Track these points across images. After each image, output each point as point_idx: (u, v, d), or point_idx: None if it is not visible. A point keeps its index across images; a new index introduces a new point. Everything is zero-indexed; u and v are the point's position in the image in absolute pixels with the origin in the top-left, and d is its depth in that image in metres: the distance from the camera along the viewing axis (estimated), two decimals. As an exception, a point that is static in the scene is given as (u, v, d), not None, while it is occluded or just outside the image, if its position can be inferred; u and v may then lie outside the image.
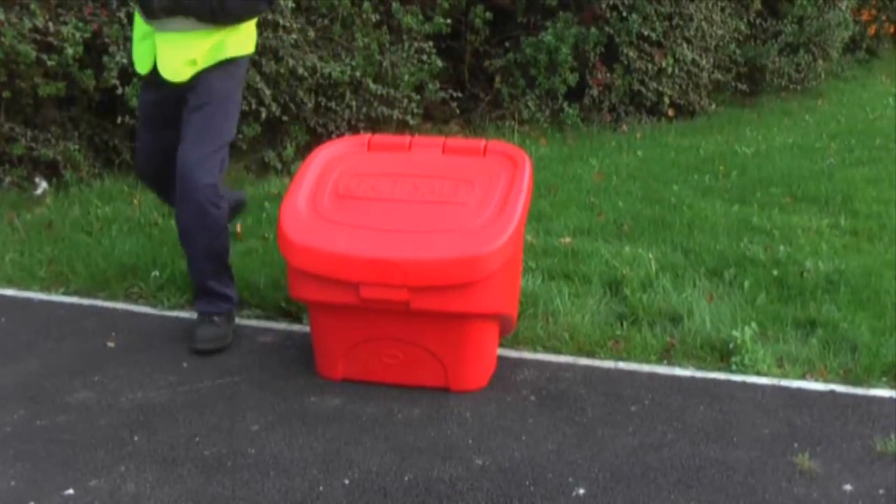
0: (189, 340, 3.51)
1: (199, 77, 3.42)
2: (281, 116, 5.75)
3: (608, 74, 7.15)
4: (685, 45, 7.40)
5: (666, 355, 3.52)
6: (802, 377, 3.37)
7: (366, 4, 6.17)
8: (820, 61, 8.65)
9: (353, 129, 6.03)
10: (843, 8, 8.76)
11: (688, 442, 2.94)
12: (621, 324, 3.72)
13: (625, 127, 7.24)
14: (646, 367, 3.44)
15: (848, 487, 2.71)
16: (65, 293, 4.02)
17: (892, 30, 10.68)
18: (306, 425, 3.01)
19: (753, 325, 3.60)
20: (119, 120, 5.32)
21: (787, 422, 3.07)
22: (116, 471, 2.74)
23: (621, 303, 3.89)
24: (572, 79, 7.01)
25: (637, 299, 3.86)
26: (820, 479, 2.75)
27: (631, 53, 7.11)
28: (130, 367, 3.37)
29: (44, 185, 5.23)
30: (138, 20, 3.50)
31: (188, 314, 3.79)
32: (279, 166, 5.83)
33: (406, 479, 2.73)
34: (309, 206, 3.17)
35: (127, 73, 5.01)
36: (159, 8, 3.32)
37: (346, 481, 2.71)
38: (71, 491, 2.65)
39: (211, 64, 3.43)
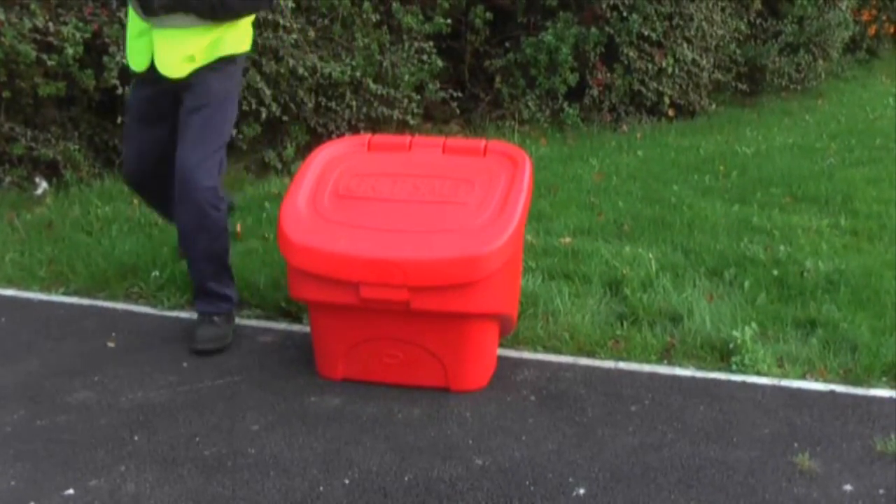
0: (189, 340, 3.51)
1: (197, 76, 3.41)
2: (281, 116, 5.75)
3: (608, 74, 7.15)
4: (685, 45, 7.40)
5: (666, 355, 3.52)
6: (802, 377, 3.37)
7: (366, 4, 6.17)
8: (820, 61, 8.65)
9: (354, 129, 6.03)
10: (844, 8, 8.76)
11: (688, 442, 2.94)
12: (621, 324, 3.71)
13: (625, 127, 7.24)
14: (646, 367, 3.44)
15: (848, 487, 2.71)
16: (65, 293, 4.02)
17: (892, 30, 10.68)
18: (306, 425, 3.01)
19: (753, 325, 3.60)
20: (119, 120, 5.31)
21: (787, 422, 3.07)
22: (116, 471, 2.74)
23: (621, 303, 3.89)
24: (572, 79, 7.01)
25: (637, 299, 3.86)
26: (820, 479, 2.75)
27: (631, 53, 7.11)
28: (130, 367, 3.37)
29: (44, 185, 5.23)
30: (133, 17, 3.48)
31: (188, 314, 3.79)
32: (279, 166, 5.83)
33: (406, 479, 2.73)
34: (309, 206, 3.17)
35: (127, 73, 5.00)
36: (160, 6, 3.31)
37: (346, 481, 2.71)
38: (71, 491, 2.65)
39: (209, 61, 3.42)
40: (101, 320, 3.76)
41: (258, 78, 5.51)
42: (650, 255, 4.30)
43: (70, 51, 4.94)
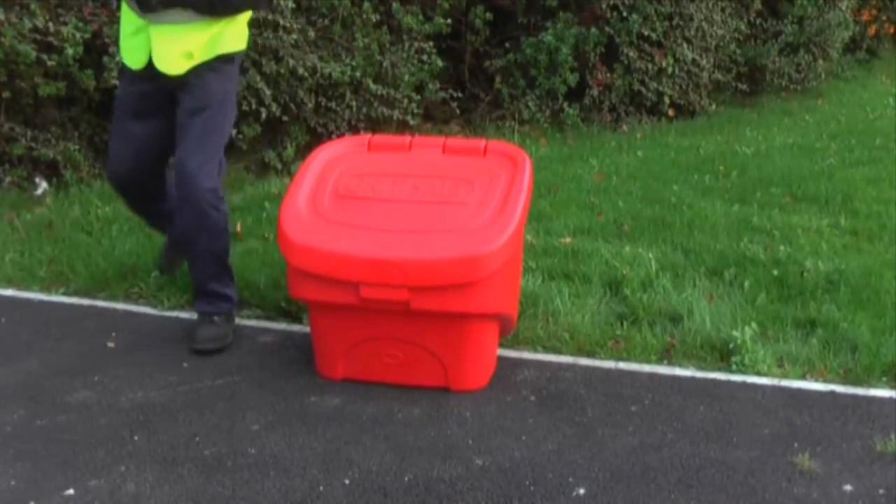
0: (189, 340, 3.51)
1: (195, 77, 3.39)
2: (281, 116, 5.75)
3: (608, 74, 7.15)
4: (685, 45, 7.40)
5: (666, 355, 3.52)
6: (802, 377, 3.37)
7: (366, 4, 6.17)
8: (820, 61, 8.65)
9: (354, 130, 6.03)
10: (844, 8, 8.76)
11: (688, 442, 2.94)
12: (621, 324, 3.72)
13: (625, 127, 7.24)
14: (646, 367, 3.44)
15: (848, 487, 2.71)
16: (65, 293, 4.02)
17: (892, 30, 10.68)
18: (306, 425, 3.01)
19: (753, 325, 3.60)
20: (119, 120, 5.32)
21: (787, 422, 3.07)
22: (116, 470, 2.74)
23: (621, 303, 3.89)
24: (572, 79, 7.01)
25: (637, 299, 3.86)
26: (820, 479, 2.75)
27: (631, 53, 7.11)
28: (130, 367, 3.37)
29: (44, 185, 5.23)
30: (128, 14, 3.43)
31: (188, 314, 3.79)
32: (279, 166, 5.83)
33: (406, 478, 2.73)
34: (309, 206, 3.17)
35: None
36: (157, 1, 3.27)
37: (346, 481, 2.71)
38: (71, 491, 2.65)
39: (207, 59, 3.39)
40: (101, 320, 3.76)
41: (258, 78, 5.51)
42: (650, 255, 4.30)
43: (70, 51, 4.94)
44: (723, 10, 7.87)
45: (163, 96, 3.46)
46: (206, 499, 2.62)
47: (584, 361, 3.48)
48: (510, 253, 3.09)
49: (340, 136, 5.79)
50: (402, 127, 6.25)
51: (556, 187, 5.50)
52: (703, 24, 7.50)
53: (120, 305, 3.90)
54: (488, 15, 6.96)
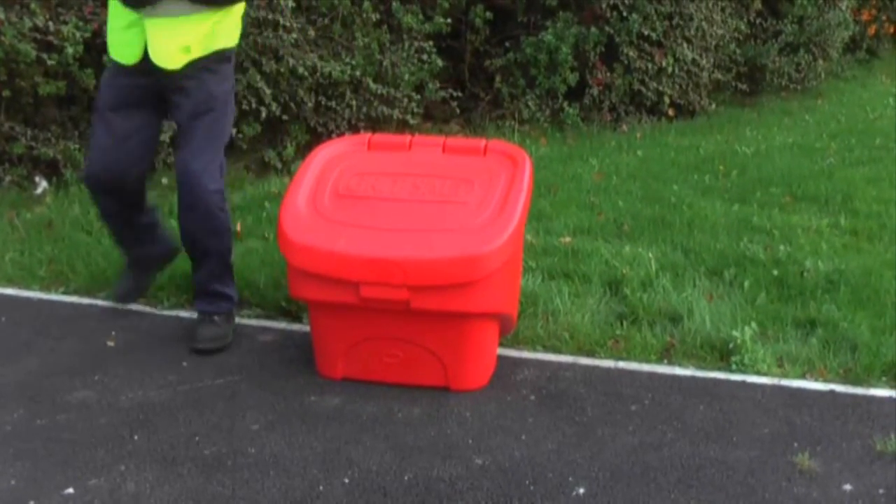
0: (189, 340, 3.51)
1: (192, 78, 3.35)
2: (281, 116, 5.75)
3: (608, 74, 7.15)
4: (685, 45, 7.40)
5: (666, 355, 3.52)
6: (802, 377, 3.37)
7: (366, 4, 6.17)
8: (820, 61, 8.65)
9: (354, 129, 6.02)
10: (843, 8, 8.77)
11: (688, 441, 2.94)
12: (621, 323, 3.72)
13: (625, 127, 7.24)
14: (646, 367, 3.44)
15: (848, 487, 2.71)
16: (65, 293, 4.01)
17: (892, 30, 10.68)
18: (306, 424, 3.01)
19: (753, 324, 3.60)
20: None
21: (787, 421, 3.07)
22: (116, 470, 2.74)
23: (621, 302, 3.89)
24: (572, 78, 7.01)
25: (637, 299, 3.86)
26: (820, 479, 2.75)
27: (631, 53, 7.11)
28: (130, 366, 3.37)
29: (44, 184, 5.22)
30: (118, 8, 3.34)
31: (188, 314, 3.79)
32: (279, 166, 5.83)
33: (406, 478, 2.73)
34: (309, 206, 3.17)
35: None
36: None
37: (346, 480, 2.71)
38: (71, 490, 2.65)
39: (204, 55, 3.35)
40: (101, 320, 3.76)
41: (258, 77, 5.51)
42: (650, 255, 4.30)
43: (70, 50, 4.94)
44: (723, 9, 7.87)
45: (152, 93, 3.40)
46: (206, 498, 2.62)
47: (584, 361, 3.48)
48: (510, 252, 3.09)
49: (340, 135, 5.78)
50: (402, 126, 6.25)
51: (556, 187, 5.50)
52: (703, 23, 7.50)
53: (120, 305, 3.90)
54: (488, 14, 6.96)
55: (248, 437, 2.93)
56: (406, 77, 6.28)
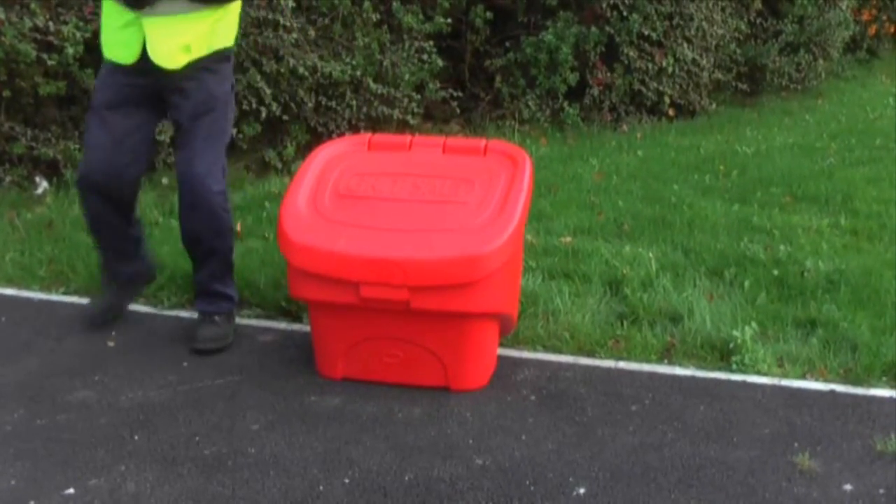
0: (189, 340, 3.51)
1: (192, 79, 3.33)
2: (281, 116, 5.75)
3: (608, 74, 7.15)
4: (685, 45, 7.41)
5: (666, 355, 3.52)
6: (802, 377, 3.37)
7: (366, 4, 6.17)
8: (820, 61, 8.65)
9: (354, 129, 6.02)
10: (844, 8, 8.77)
11: (688, 441, 2.94)
12: (621, 323, 3.71)
13: (625, 126, 7.24)
14: (646, 367, 3.44)
15: (848, 487, 2.71)
16: (65, 293, 4.01)
17: (892, 30, 10.68)
18: (306, 425, 3.01)
19: (753, 324, 3.60)
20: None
21: (787, 421, 3.07)
22: (116, 470, 2.74)
23: (621, 302, 3.89)
24: (572, 78, 7.01)
25: (637, 299, 3.86)
26: (820, 479, 2.74)
27: (631, 53, 7.11)
28: (130, 366, 3.37)
29: (44, 184, 5.22)
30: (114, 7, 3.30)
31: (188, 314, 3.79)
32: (279, 166, 5.83)
33: (406, 478, 2.73)
34: (309, 206, 3.17)
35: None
36: None
37: (346, 480, 2.71)
38: (71, 490, 2.65)
39: (204, 55, 3.33)
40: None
41: (258, 77, 5.51)
42: (650, 255, 4.30)
43: (70, 50, 4.94)
44: (723, 9, 7.87)
45: (150, 93, 3.37)
46: (206, 498, 2.62)
47: (584, 361, 3.48)
48: (510, 252, 3.09)
49: (341, 135, 5.78)
50: (403, 126, 6.25)
51: (556, 187, 5.50)
52: (704, 23, 7.50)
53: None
54: (488, 14, 6.96)
55: (248, 437, 2.93)
56: (406, 77, 6.28)
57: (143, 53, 3.28)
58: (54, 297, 3.97)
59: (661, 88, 7.33)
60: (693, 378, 3.36)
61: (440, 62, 6.58)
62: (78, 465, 2.76)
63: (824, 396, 3.25)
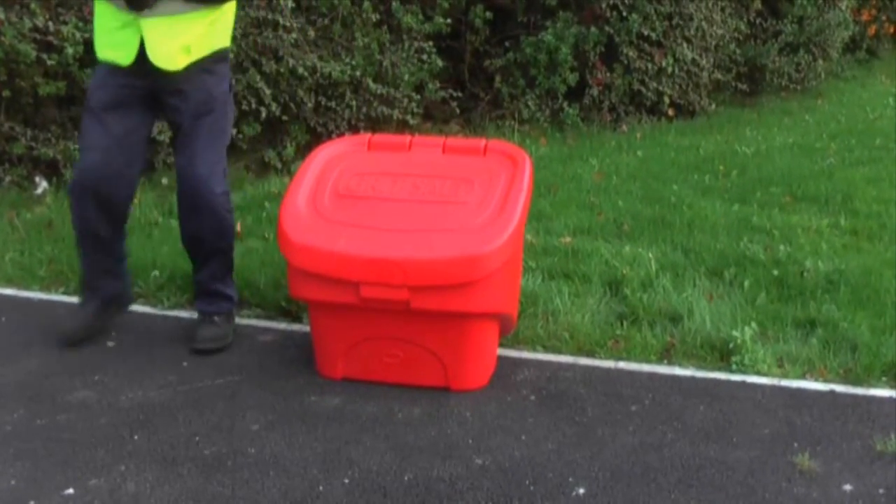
0: (189, 340, 3.51)
1: (190, 80, 3.32)
2: (281, 116, 5.75)
3: (608, 74, 7.15)
4: (685, 45, 7.41)
5: (666, 355, 3.52)
6: (802, 377, 3.37)
7: (366, 4, 6.17)
8: (820, 61, 8.66)
9: (354, 129, 6.03)
10: (843, 8, 8.77)
11: (688, 442, 2.94)
12: (621, 323, 3.71)
13: (625, 127, 7.24)
14: (646, 367, 3.44)
15: (848, 487, 2.71)
16: (65, 293, 4.01)
17: (892, 30, 10.69)
18: (306, 425, 3.00)
19: (753, 324, 3.60)
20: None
21: (787, 422, 3.07)
22: (116, 470, 2.74)
23: (621, 302, 3.89)
24: (572, 78, 7.01)
25: (637, 299, 3.86)
26: (820, 479, 2.74)
27: (631, 53, 7.11)
28: (130, 366, 3.37)
29: (44, 184, 5.22)
30: (108, 8, 3.26)
31: (188, 314, 3.79)
32: (279, 166, 5.83)
33: (406, 478, 2.73)
34: (309, 206, 3.17)
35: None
36: None
37: (346, 480, 2.71)
38: (71, 490, 2.65)
39: (204, 56, 3.32)
40: (101, 320, 3.75)
41: (258, 78, 5.51)
42: (650, 255, 4.30)
43: (70, 50, 4.94)
44: (723, 9, 7.87)
45: (146, 94, 3.34)
46: (206, 498, 2.62)
47: (584, 361, 3.48)
48: (510, 252, 3.09)
49: (340, 135, 5.78)
50: (402, 126, 6.25)
51: (556, 187, 5.50)
52: (703, 23, 7.50)
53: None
54: (488, 14, 6.96)
55: (248, 437, 2.93)
56: (406, 77, 6.28)
57: (141, 55, 3.25)
58: (54, 297, 3.97)
59: (660, 88, 7.33)
60: (693, 378, 3.36)
61: (440, 62, 6.59)
62: (78, 465, 2.76)
63: (824, 396, 3.25)
